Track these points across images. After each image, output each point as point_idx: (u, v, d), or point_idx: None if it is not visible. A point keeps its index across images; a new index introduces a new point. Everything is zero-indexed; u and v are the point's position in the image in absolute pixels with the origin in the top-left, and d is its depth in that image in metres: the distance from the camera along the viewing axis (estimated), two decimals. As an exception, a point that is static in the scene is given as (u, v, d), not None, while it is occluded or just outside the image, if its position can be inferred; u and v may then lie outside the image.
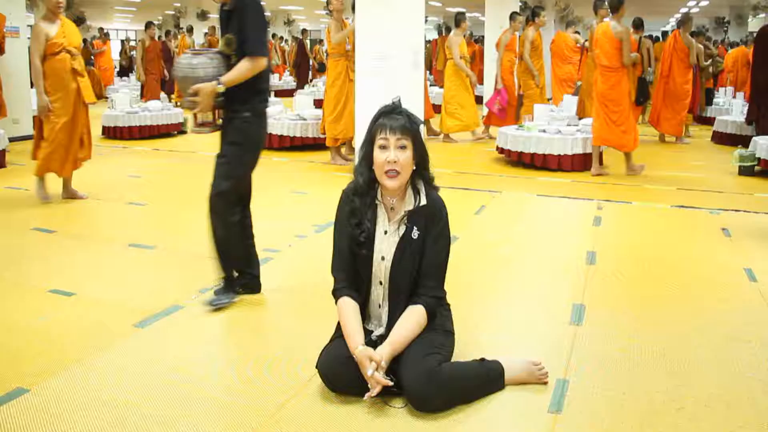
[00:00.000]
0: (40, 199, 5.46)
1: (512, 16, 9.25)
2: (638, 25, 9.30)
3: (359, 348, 2.25)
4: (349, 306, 2.38)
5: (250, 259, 3.37)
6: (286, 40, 21.44)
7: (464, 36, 9.44)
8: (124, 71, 18.86)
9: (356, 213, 2.41)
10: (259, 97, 3.16)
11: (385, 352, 2.26)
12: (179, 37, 15.25)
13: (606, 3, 7.20)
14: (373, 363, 2.21)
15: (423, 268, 2.40)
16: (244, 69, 3.03)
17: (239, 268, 3.31)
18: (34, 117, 6.00)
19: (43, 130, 5.37)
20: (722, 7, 21.84)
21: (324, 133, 7.43)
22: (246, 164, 3.24)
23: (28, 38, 9.39)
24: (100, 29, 19.15)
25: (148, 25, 12.69)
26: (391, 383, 2.22)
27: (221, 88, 3.01)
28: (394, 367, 2.27)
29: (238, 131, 3.16)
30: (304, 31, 19.17)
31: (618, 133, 6.58)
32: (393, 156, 2.32)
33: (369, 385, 2.21)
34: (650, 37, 11.02)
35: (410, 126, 2.36)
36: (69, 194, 5.58)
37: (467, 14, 10.22)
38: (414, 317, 2.35)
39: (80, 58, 5.44)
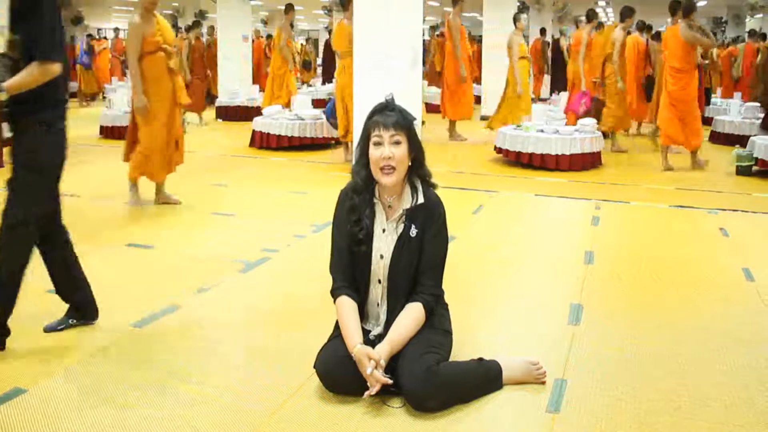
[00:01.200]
0: (131, 205, 5.25)
1: (590, 15, 9.07)
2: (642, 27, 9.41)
3: (358, 347, 2.25)
4: (347, 305, 2.38)
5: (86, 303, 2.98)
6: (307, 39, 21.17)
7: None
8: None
9: (355, 210, 2.41)
10: (55, 110, 2.69)
11: (383, 350, 2.26)
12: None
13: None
14: (372, 361, 2.21)
15: (421, 267, 2.40)
16: (30, 75, 2.55)
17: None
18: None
19: (136, 133, 5.15)
20: (720, 8, 21.86)
21: (344, 133, 7.37)
22: (41, 191, 2.70)
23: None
24: (98, 30, 19.15)
25: (196, 24, 12.76)
26: (390, 381, 2.22)
27: (2, 95, 2.51)
28: (392, 366, 2.27)
29: (28, 151, 2.65)
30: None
31: (686, 132, 6.89)
32: (387, 152, 2.32)
33: (368, 384, 2.21)
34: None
35: (403, 121, 2.36)
36: (163, 199, 5.34)
37: (465, 14, 10.22)
38: (412, 315, 2.35)
39: (175, 56, 5.24)
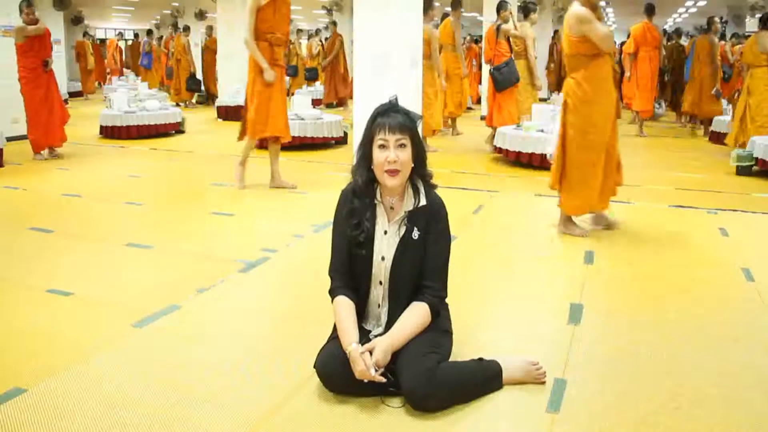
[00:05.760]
0: (236, 182, 5.84)
1: (649, 9, 9.22)
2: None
3: (353, 345, 2.25)
4: (344, 305, 2.38)
5: None
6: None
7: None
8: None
9: (355, 213, 2.41)
10: None
11: (384, 342, 2.26)
12: (175, 35, 15.24)
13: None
14: (366, 354, 2.21)
15: (425, 269, 2.40)
16: None
17: None
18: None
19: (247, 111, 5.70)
20: (720, 7, 21.86)
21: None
22: None
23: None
24: (105, 31, 19.23)
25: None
26: (383, 380, 2.21)
27: None
28: (392, 366, 2.27)
29: None
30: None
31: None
32: (393, 155, 2.32)
33: (358, 377, 2.21)
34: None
35: (409, 124, 2.36)
36: (277, 184, 5.91)
37: (465, 14, 10.20)
38: (418, 314, 2.35)
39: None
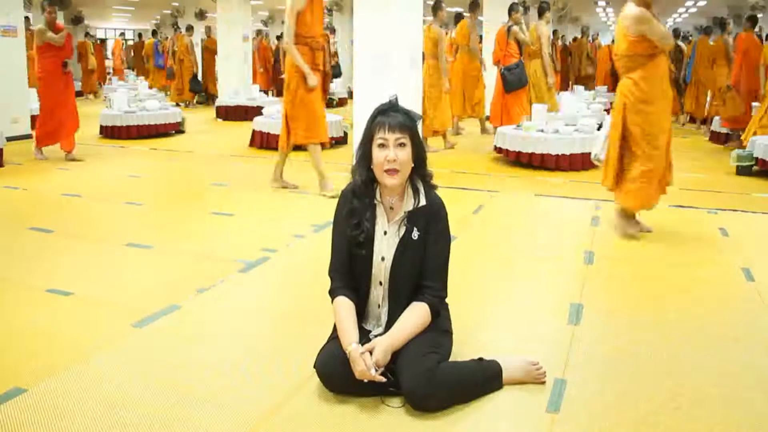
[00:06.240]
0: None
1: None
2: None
3: (353, 345, 2.25)
4: (344, 305, 2.38)
5: None
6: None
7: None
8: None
9: (355, 213, 2.41)
10: None
11: (384, 342, 2.26)
12: (177, 35, 15.24)
13: None
14: (366, 354, 2.21)
15: (425, 269, 2.40)
16: None
17: None
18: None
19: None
20: (721, 7, 21.86)
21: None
22: None
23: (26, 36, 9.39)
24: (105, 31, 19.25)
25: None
26: (383, 380, 2.21)
27: None
28: (392, 366, 2.27)
29: None
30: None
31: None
32: (392, 154, 2.32)
33: (358, 377, 2.21)
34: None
35: (409, 123, 2.36)
36: (282, 184, 5.98)
37: (464, 13, 10.20)
38: (418, 313, 2.35)
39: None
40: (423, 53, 8.41)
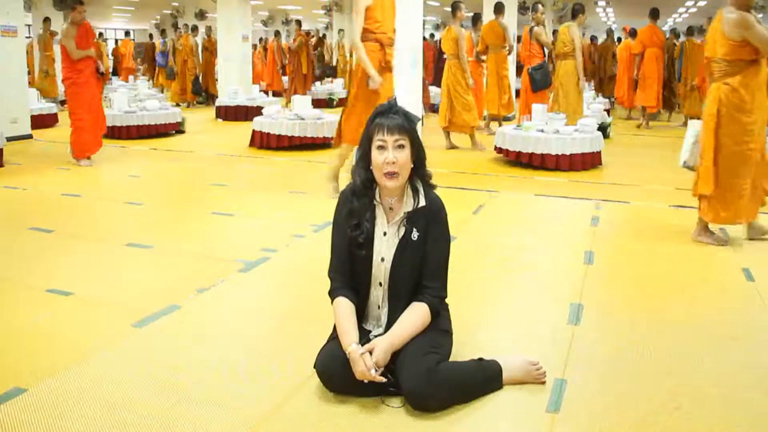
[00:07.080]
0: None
1: (653, 13, 9.24)
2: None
3: (353, 345, 2.25)
4: (344, 306, 2.38)
5: None
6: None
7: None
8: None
9: (355, 214, 2.41)
10: None
11: (384, 342, 2.26)
12: (182, 35, 15.25)
13: None
14: (366, 354, 2.21)
15: (425, 270, 2.40)
16: None
17: None
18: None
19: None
20: (720, 7, 21.90)
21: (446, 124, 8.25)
22: None
23: (27, 37, 9.38)
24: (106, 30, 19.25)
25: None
26: (383, 380, 2.21)
27: None
28: (392, 366, 2.27)
29: None
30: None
31: None
32: (391, 156, 2.32)
33: (358, 377, 2.21)
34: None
35: (408, 125, 2.36)
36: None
37: (465, 13, 10.22)
38: (418, 313, 2.35)
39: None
40: (444, 54, 8.69)
